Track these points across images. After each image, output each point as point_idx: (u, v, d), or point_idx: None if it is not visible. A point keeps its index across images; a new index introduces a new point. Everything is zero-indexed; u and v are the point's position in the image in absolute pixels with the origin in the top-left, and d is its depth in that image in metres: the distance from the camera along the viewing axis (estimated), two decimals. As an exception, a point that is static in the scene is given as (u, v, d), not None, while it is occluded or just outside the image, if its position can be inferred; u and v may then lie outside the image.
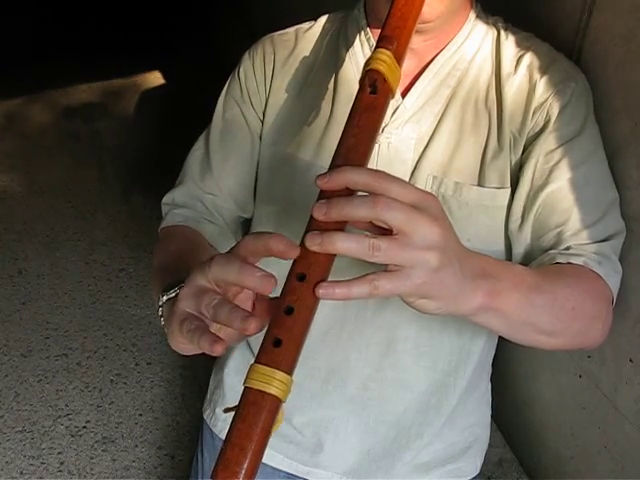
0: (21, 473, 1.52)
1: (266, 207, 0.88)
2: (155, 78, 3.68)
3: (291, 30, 0.88)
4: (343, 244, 0.48)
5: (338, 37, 0.84)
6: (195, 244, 0.82)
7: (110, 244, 2.33)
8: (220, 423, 0.96)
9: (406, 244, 0.49)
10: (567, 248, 0.73)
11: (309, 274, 0.49)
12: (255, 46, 0.88)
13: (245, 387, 0.48)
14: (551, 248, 0.74)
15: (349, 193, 0.51)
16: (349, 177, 0.50)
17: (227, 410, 0.51)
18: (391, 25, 0.61)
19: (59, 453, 1.58)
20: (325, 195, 0.51)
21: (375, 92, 0.56)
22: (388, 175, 0.50)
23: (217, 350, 0.49)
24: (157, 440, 1.63)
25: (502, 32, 0.79)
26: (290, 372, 0.49)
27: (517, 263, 0.78)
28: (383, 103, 0.57)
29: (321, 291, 0.49)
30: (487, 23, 0.80)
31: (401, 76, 0.60)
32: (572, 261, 0.71)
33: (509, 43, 0.78)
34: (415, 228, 0.49)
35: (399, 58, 0.59)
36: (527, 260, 0.77)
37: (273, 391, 0.47)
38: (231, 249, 0.53)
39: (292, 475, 0.91)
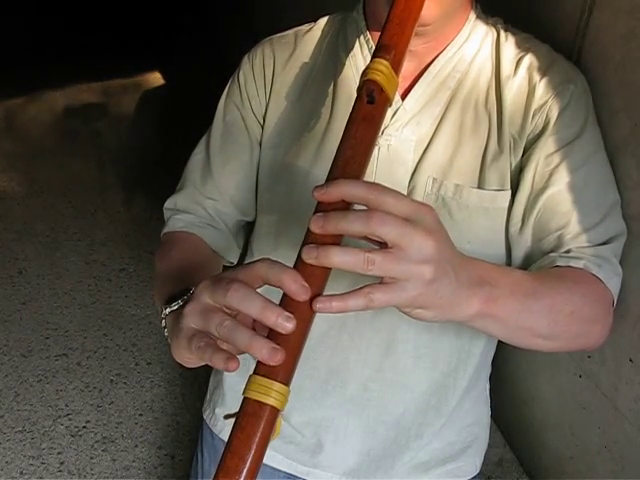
0: (21, 473, 1.52)
1: (266, 216, 0.88)
2: (155, 78, 3.68)
3: (290, 32, 0.88)
4: (339, 258, 0.49)
5: (337, 39, 0.84)
6: (196, 251, 0.82)
7: (110, 244, 2.33)
8: (220, 423, 0.96)
9: (401, 257, 0.49)
10: (567, 251, 0.73)
11: None
12: (254, 49, 0.88)
13: (244, 397, 0.50)
14: (551, 251, 0.74)
15: (346, 205, 0.52)
16: (345, 190, 0.51)
17: (228, 417, 0.53)
18: (389, 32, 0.61)
19: (59, 453, 1.58)
20: (322, 207, 0.52)
21: (372, 102, 0.57)
22: (384, 187, 0.51)
23: (232, 367, 0.49)
24: (157, 440, 1.63)
25: (502, 33, 0.79)
26: (287, 383, 0.50)
27: (517, 266, 0.78)
28: (380, 113, 0.58)
29: (319, 305, 0.50)
30: (487, 24, 0.80)
31: (399, 81, 0.61)
32: (572, 264, 0.71)
33: (509, 44, 0.78)
34: (409, 242, 0.49)
35: (397, 66, 0.60)
36: (527, 263, 0.77)
37: (271, 402, 0.49)
38: (242, 267, 0.53)
39: (292, 475, 0.91)
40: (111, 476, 1.53)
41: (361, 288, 0.50)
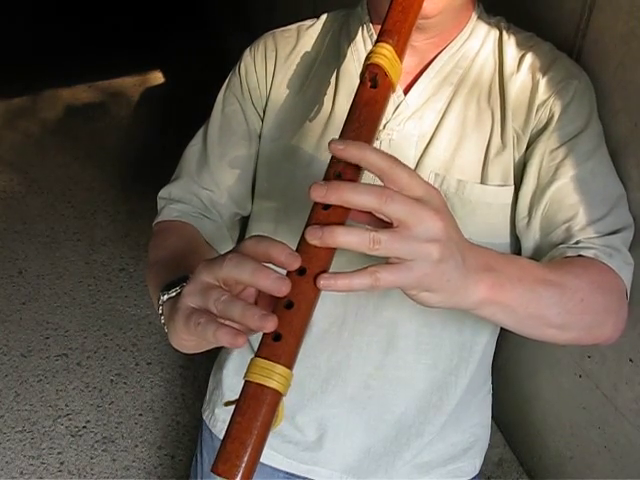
0: (21, 473, 1.52)
1: (265, 203, 0.87)
2: (155, 77, 3.68)
3: (293, 27, 0.88)
4: (344, 237, 0.48)
5: (340, 33, 0.84)
6: (192, 240, 0.81)
7: (110, 244, 2.33)
8: (219, 424, 0.96)
9: (407, 236, 0.49)
10: (576, 242, 0.72)
11: (309, 268, 0.49)
12: (257, 42, 0.88)
13: (245, 381, 0.48)
14: (561, 243, 0.73)
15: (353, 174, 0.51)
16: (366, 154, 0.49)
17: (228, 403, 0.51)
18: (392, 19, 0.61)
19: (59, 453, 1.58)
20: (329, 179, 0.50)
21: (376, 86, 0.56)
22: (401, 163, 0.50)
23: (240, 343, 0.47)
24: (157, 440, 1.63)
25: (504, 32, 0.79)
26: (290, 366, 0.49)
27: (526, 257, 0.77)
28: (384, 97, 0.57)
29: (322, 282, 0.48)
30: (489, 23, 0.80)
31: (402, 72, 0.60)
32: (582, 254, 0.70)
33: (511, 42, 0.79)
34: (417, 221, 0.49)
35: (400, 52, 0.59)
36: (537, 256, 0.76)
37: (273, 385, 0.47)
38: (232, 249, 0.52)
39: (292, 475, 0.91)
40: (111, 476, 1.53)
41: (367, 267, 0.49)
